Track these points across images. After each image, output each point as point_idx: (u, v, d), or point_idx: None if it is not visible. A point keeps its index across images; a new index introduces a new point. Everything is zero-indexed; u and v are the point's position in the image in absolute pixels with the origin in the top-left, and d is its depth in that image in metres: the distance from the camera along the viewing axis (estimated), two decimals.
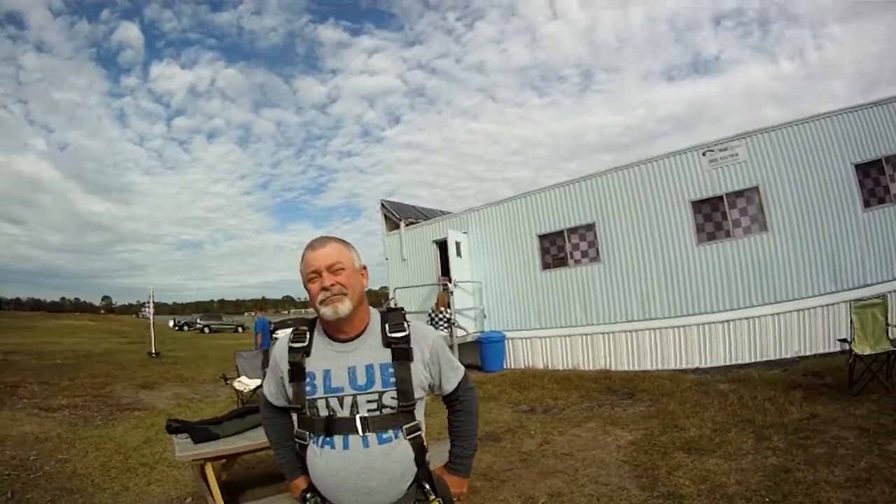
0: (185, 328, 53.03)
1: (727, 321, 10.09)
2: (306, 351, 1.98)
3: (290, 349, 2.01)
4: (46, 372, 15.09)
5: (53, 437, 7.81)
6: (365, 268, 2.07)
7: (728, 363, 9.80)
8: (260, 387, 8.62)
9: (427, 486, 1.97)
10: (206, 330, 49.87)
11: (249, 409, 5.38)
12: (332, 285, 1.87)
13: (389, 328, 1.95)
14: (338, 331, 1.95)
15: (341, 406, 1.88)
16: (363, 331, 1.98)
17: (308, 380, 1.94)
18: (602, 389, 8.93)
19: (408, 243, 16.85)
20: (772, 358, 9.43)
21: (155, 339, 23.39)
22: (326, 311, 1.87)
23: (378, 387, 1.88)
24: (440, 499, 1.97)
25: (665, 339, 10.72)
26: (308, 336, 2.01)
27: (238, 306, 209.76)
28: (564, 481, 4.83)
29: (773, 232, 10.07)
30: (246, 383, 9.46)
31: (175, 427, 4.90)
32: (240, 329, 50.01)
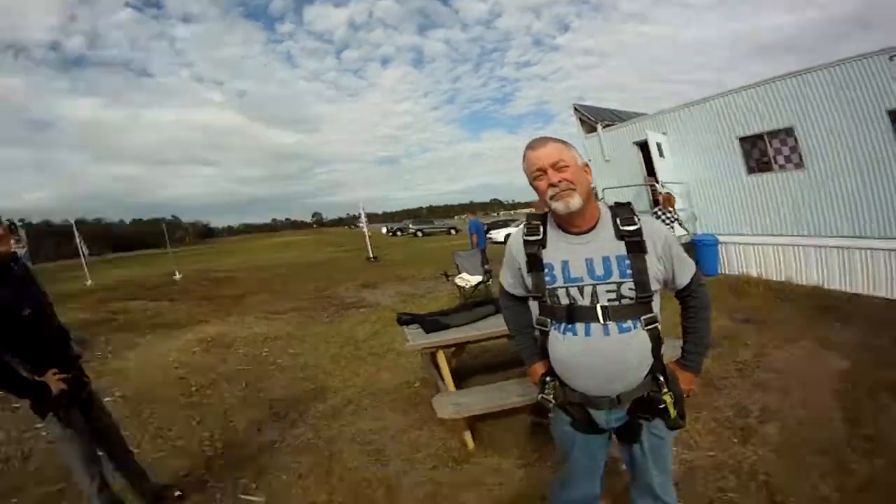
0: (399, 233, 56.64)
1: None
2: (542, 243, 2.10)
3: (526, 241, 2.14)
4: (270, 282, 16.67)
5: (283, 335, 8.58)
6: (587, 164, 2.11)
7: None
8: (481, 283, 9.76)
9: (661, 379, 2.06)
10: (419, 234, 52.36)
11: (477, 302, 5.71)
12: (560, 181, 1.96)
13: (621, 221, 2.03)
14: (570, 224, 2.05)
15: (581, 295, 2.00)
16: (595, 225, 2.06)
17: (546, 270, 2.06)
18: (815, 307, 8.62)
19: (608, 144, 16.61)
20: None
21: (371, 244, 24.72)
22: (558, 206, 1.97)
23: (616, 277, 1.97)
24: (671, 392, 2.05)
25: (876, 261, 9.89)
26: (542, 229, 2.12)
27: (447, 211, 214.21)
28: (776, 398, 4.91)
29: None
30: (467, 279, 9.84)
31: (405, 319, 5.30)
32: (452, 231, 51.61)
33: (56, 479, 4.13)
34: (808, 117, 11.17)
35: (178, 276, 20.12)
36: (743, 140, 12.67)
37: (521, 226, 2.22)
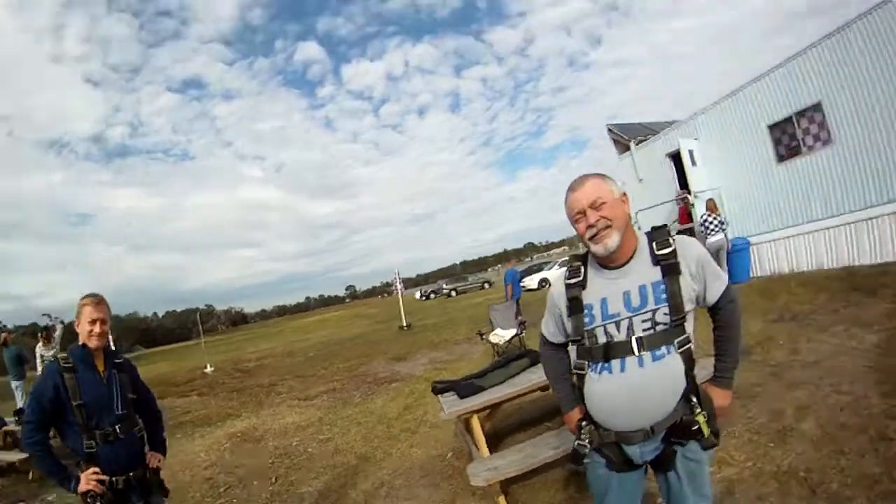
0: (432, 296, 55.58)
1: None
2: (582, 285, 2.13)
3: (567, 286, 2.17)
4: (301, 367, 16.33)
5: (314, 422, 8.33)
6: (625, 194, 2.12)
7: None
8: (515, 336, 9.51)
9: (694, 400, 2.02)
10: (453, 293, 51.13)
11: (510, 357, 5.48)
12: (597, 221, 1.99)
13: (657, 246, 2.05)
14: (610, 260, 2.08)
15: (618, 330, 2.01)
16: (632, 255, 2.08)
17: (586, 311, 2.09)
18: (846, 288, 8.62)
19: (641, 163, 16.65)
20: None
21: (404, 311, 24.19)
22: (597, 249, 2.02)
23: (651, 305, 1.99)
24: (705, 413, 2.01)
25: None
26: (582, 270, 2.16)
27: (480, 264, 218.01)
28: (809, 392, 4.91)
29: None
30: (501, 335, 9.61)
31: (440, 388, 5.21)
32: (486, 285, 50.86)
33: None
34: (834, 88, 11.04)
35: (209, 370, 20.01)
36: (772, 128, 12.63)
37: (563, 269, 2.29)
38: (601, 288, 2.10)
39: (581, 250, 2.31)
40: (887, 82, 10.03)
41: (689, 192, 14.00)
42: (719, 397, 2.18)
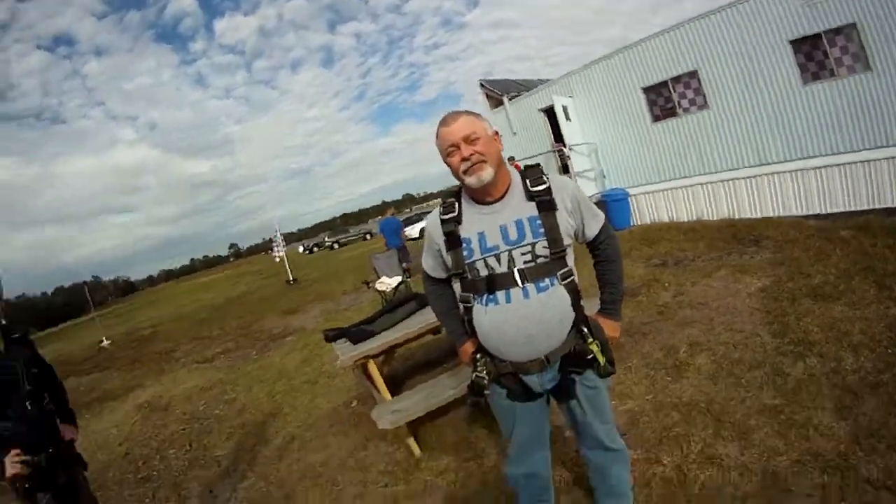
0: (315, 249, 54.96)
1: (844, 164, 9.80)
2: (457, 220, 2.16)
3: (443, 221, 2.20)
4: (195, 329, 16.21)
5: (216, 383, 8.36)
6: (497, 133, 2.17)
7: (847, 209, 9.59)
8: (402, 283, 9.55)
9: (585, 329, 2.11)
10: (336, 245, 50.60)
11: (397, 302, 5.52)
12: (471, 154, 2.01)
13: (531, 182, 2.10)
14: (484, 194, 2.11)
15: (499, 263, 2.05)
16: (507, 191, 2.13)
17: (465, 245, 2.11)
18: (728, 238, 9.03)
19: (515, 117, 16.88)
20: (890, 205, 9.10)
21: (289, 267, 24.19)
22: (471, 180, 2.04)
23: (529, 238, 2.04)
24: (598, 341, 2.10)
25: (784, 184, 10.65)
26: (457, 206, 2.17)
27: (361, 216, 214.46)
28: (701, 330, 5.09)
29: (877, 71, 9.55)
30: (387, 283, 9.59)
31: (332, 335, 5.17)
32: (367, 236, 50.33)
33: None
34: (711, 58, 11.79)
35: (105, 343, 19.21)
36: (647, 90, 13.26)
37: (438, 206, 2.28)
38: (477, 222, 2.13)
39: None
40: (760, 57, 11.00)
41: (565, 145, 14.37)
42: (609, 328, 2.25)
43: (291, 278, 23.37)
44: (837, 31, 9.88)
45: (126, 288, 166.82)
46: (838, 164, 9.90)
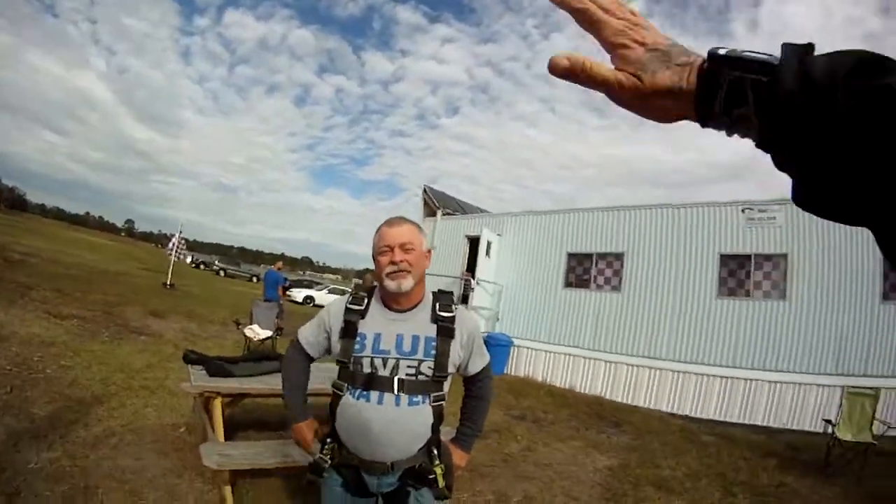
0: (202, 266, 54.82)
1: (726, 377, 10.25)
2: (361, 314, 2.20)
3: (348, 309, 2.23)
4: (60, 280, 15.56)
5: (59, 343, 8.03)
6: (430, 251, 2.26)
7: (718, 418, 9.94)
8: (269, 338, 9.38)
9: (435, 452, 2.15)
10: (222, 273, 50.91)
11: (263, 355, 5.62)
12: (401, 261, 2.07)
13: (440, 307, 2.18)
14: (395, 302, 2.17)
15: (384, 366, 2.08)
16: (416, 305, 2.20)
17: (359, 339, 2.14)
18: (592, 414, 9.14)
19: (441, 233, 17.13)
20: (759, 423, 9.58)
21: (172, 271, 23.75)
22: (391, 284, 2.09)
23: (420, 355, 2.09)
24: (443, 465, 2.15)
25: (664, 380, 10.91)
26: (366, 302, 2.23)
27: (256, 257, 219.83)
28: (539, 488, 5.05)
29: (791, 302, 10.19)
30: (257, 332, 9.61)
31: (192, 358, 5.10)
32: (254, 279, 50.19)
33: None
34: (642, 247, 12.34)
35: None
36: (572, 256, 13.67)
37: (347, 295, 2.34)
38: (379, 324, 2.17)
39: (349, 288, 2.05)
40: (689, 260, 11.65)
41: (473, 277, 14.47)
42: (458, 457, 2.32)
43: (169, 282, 22.65)
44: (768, 257, 10.58)
45: (16, 202, 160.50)
46: (721, 377, 10.27)
